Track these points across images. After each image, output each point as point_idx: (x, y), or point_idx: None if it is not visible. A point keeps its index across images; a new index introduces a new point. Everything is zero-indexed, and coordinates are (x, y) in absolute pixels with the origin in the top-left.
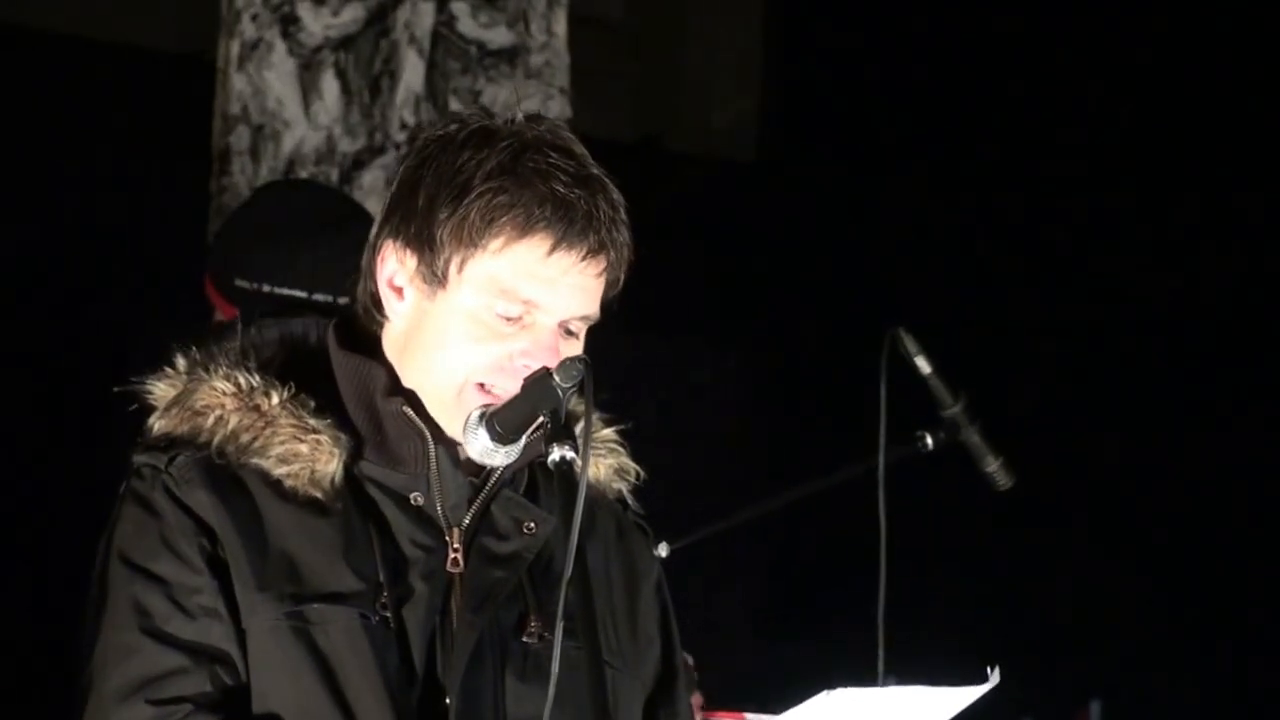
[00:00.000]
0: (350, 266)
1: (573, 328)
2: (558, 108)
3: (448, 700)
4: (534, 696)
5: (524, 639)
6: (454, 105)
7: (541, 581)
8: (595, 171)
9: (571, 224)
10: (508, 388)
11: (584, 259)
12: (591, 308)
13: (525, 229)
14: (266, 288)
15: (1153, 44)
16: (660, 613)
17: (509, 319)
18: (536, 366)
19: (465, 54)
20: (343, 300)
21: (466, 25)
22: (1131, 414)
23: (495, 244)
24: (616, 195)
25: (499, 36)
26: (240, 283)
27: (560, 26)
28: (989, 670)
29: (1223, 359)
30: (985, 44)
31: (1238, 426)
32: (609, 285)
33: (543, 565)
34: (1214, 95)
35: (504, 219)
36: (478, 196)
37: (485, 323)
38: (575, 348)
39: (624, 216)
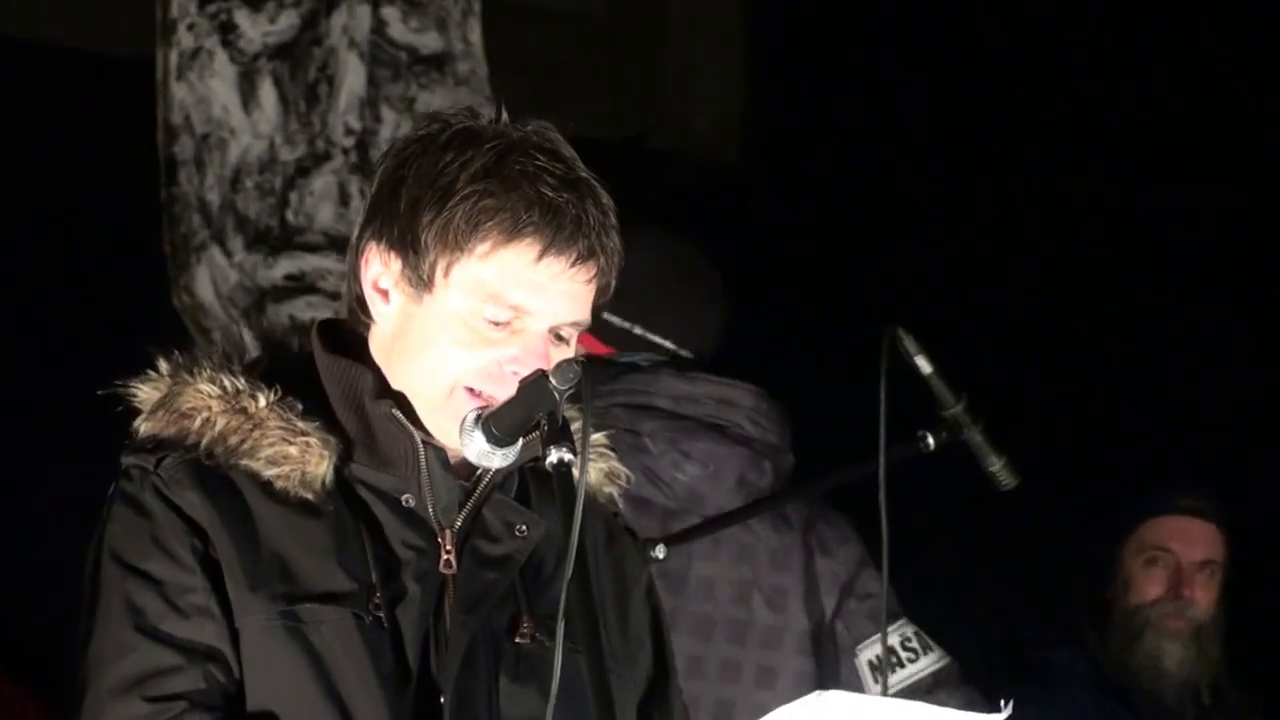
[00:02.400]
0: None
1: (563, 333)
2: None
3: (442, 700)
4: (527, 697)
5: (516, 640)
6: (387, 112)
7: (533, 584)
8: (584, 174)
9: (560, 229)
10: (497, 394)
11: (573, 265)
12: (582, 314)
13: (512, 233)
14: (638, 329)
15: (1144, 44)
16: (651, 615)
17: (498, 324)
18: (526, 373)
19: (395, 61)
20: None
21: (397, 30)
22: (1139, 413)
23: (482, 248)
24: (606, 199)
25: (430, 42)
26: (611, 317)
27: (475, 35)
28: (1001, 704)
29: (1234, 352)
30: (970, 42)
31: (1251, 425)
32: (599, 291)
33: (534, 568)
34: (1214, 93)
35: (490, 223)
36: (462, 199)
37: (474, 328)
38: (566, 354)
39: (614, 221)
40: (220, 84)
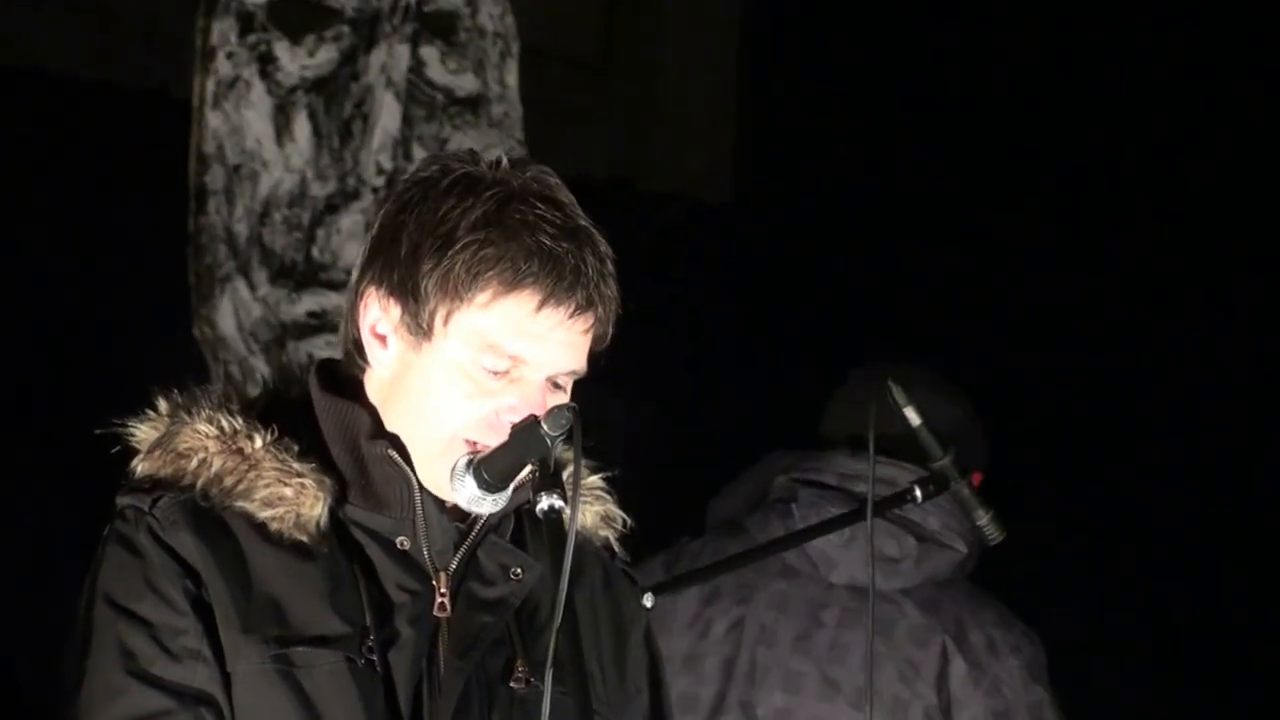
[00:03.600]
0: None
1: (560, 382)
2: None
3: None
4: None
5: (511, 684)
6: (419, 152)
7: (528, 628)
8: (583, 223)
9: (560, 279)
10: (493, 443)
11: (572, 315)
12: (579, 363)
13: (513, 284)
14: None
15: (1123, 77)
16: (649, 662)
17: (496, 373)
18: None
19: (431, 101)
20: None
21: (435, 71)
22: (1127, 453)
23: (482, 297)
24: (604, 247)
25: (467, 84)
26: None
27: (512, 78)
28: None
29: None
30: (965, 79)
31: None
32: (596, 340)
33: (529, 611)
34: (1206, 116)
35: (490, 273)
36: (463, 248)
37: (473, 377)
38: (562, 401)
39: (611, 269)
40: (255, 115)
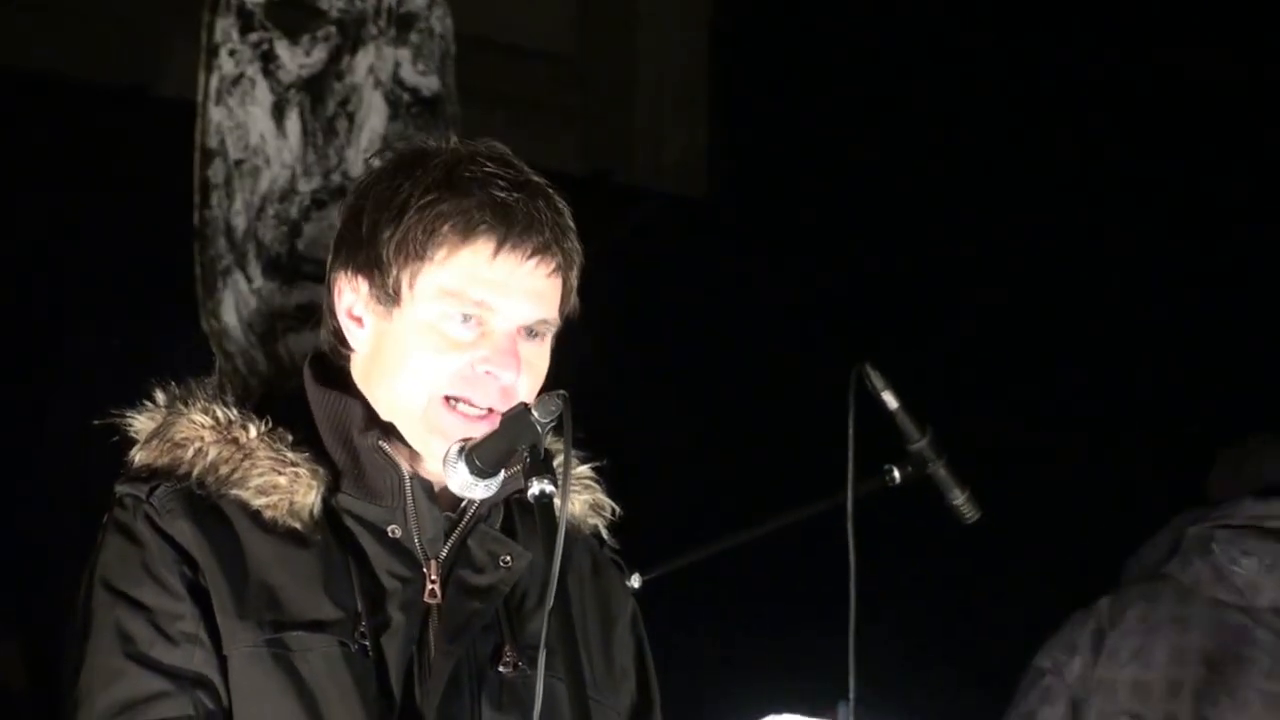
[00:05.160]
0: None
1: (536, 330)
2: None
3: None
4: None
5: (500, 669)
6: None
7: (517, 614)
8: (535, 178)
9: (512, 225)
10: (473, 396)
11: (530, 258)
12: (548, 311)
13: (466, 234)
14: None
15: (1114, 86)
16: (636, 647)
17: (465, 319)
18: (499, 374)
19: (399, 100)
20: None
21: (407, 72)
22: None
23: (440, 254)
24: (559, 201)
25: (431, 85)
26: None
27: (452, 77)
28: None
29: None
30: (940, 75)
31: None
32: (564, 291)
33: (518, 598)
34: (1198, 134)
35: (445, 227)
36: (417, 211)
37: (443, 332)
38: (540, 354)
39: (569, 222)
40: (261, 112)
